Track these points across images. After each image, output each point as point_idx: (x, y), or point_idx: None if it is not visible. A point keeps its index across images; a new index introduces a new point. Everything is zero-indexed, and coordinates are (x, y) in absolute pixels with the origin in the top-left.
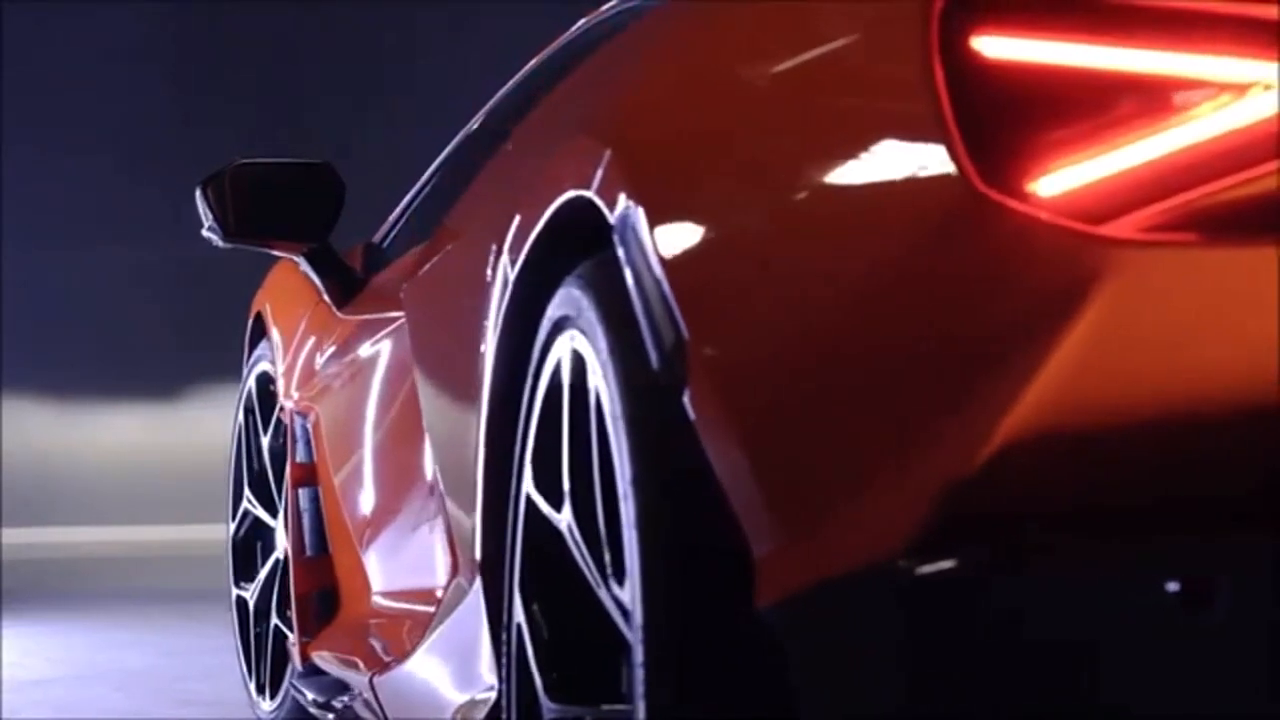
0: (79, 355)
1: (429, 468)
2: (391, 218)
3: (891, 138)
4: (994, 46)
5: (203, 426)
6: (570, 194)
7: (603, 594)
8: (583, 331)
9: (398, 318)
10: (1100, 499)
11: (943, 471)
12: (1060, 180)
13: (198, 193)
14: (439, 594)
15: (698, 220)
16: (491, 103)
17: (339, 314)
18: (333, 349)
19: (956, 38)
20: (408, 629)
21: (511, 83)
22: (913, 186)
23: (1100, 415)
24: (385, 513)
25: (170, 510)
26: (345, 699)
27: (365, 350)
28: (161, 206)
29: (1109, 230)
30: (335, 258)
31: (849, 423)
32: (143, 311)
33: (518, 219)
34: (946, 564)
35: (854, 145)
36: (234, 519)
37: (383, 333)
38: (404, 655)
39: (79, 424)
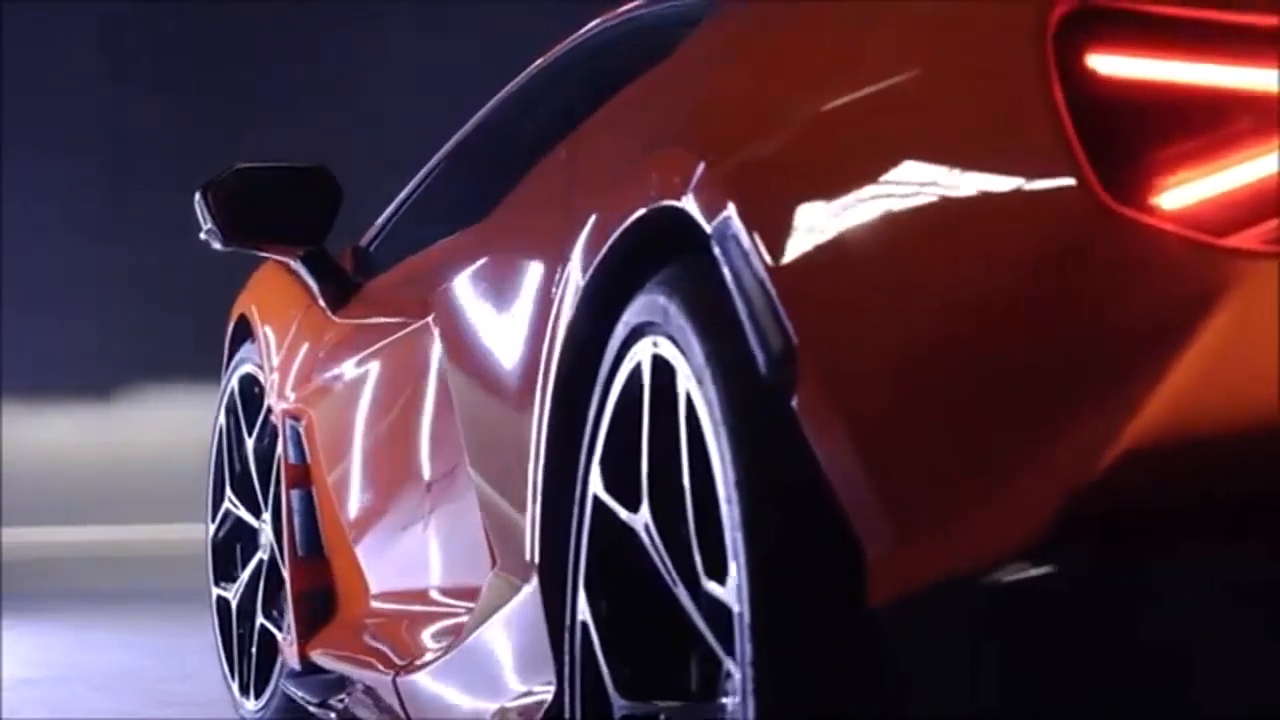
0: (51, 353)
1: (448, 470)
2: (379, 222)
3: (1010, 151)
4: (1109, 65)
5: (173, 426)
6: (655, 203)
7: (680, 593)
8: (670, 337)
9: (402, 322)
10: (1222, 502)
11: (1067, 474)
12: (1184, 194)
13: (197, 196)
14: (470, 594)
15: (807, 229)
16: (489, 107)
17: (334, 318)
18: (329, 352)
19: (1072, 56)
20: (434, 628)
21: (512, 87)
22: (1035, 198)
23: (1222, 421)
24: (395, 515)
25: (142, 510)
26: (343, 697)
27: (366, 354)
28: (164, 206)
29: (1233, 242)
30: (331, 261)
31: (971, 426)
32: (123, 309)
33: (589, 227)
34: (1067, 566)
35: (970, 157)
36: (214, 520)
37: (388, 337)
38: (434, 654)
39: (46, 424)
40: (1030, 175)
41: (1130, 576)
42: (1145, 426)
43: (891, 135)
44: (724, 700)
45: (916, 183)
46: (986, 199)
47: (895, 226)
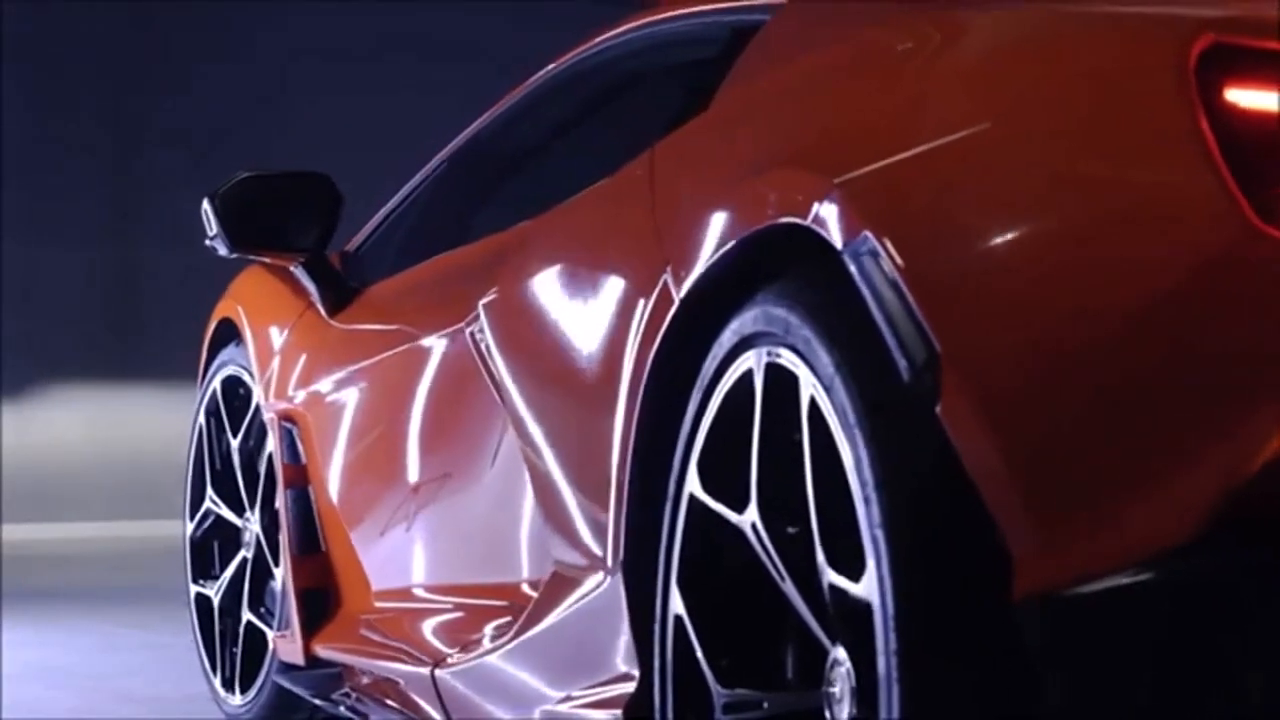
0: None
1: (475, 469)
2: (369, 227)
3: (1157, 173)
4: (1248, 98)
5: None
6: (774, 221)
7: (787, 587)
8: (791, 347)
9: (425, 327)
10: None
11: (1217, 476)
12: None
13: (204, 203)
14: (504, 591)
15: (946, 244)
16: (487, 117)
17: (335, 323)
18: (333, 356)
19: (1212, 89)
20: (475, 623)
21: (511, 97)
22: (1184, 217)
23: None
24: (414, 513)
25: (88, 508)
26: (346, 691)
27: (378, 358)
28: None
29: None
30: (330, 267)
31: (1122, 429)
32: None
33: (686, 243)
34: (1215, 566)
35: (1115, 178)
36: (192, 519)
37: (406, 341)
38: (483, 648)
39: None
40: (1179, 196)
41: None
42: None
43: (1031, 154)
44: (830, 689)
45: (1059, 199)
46: (1134, 217)
47: (1040, 240)
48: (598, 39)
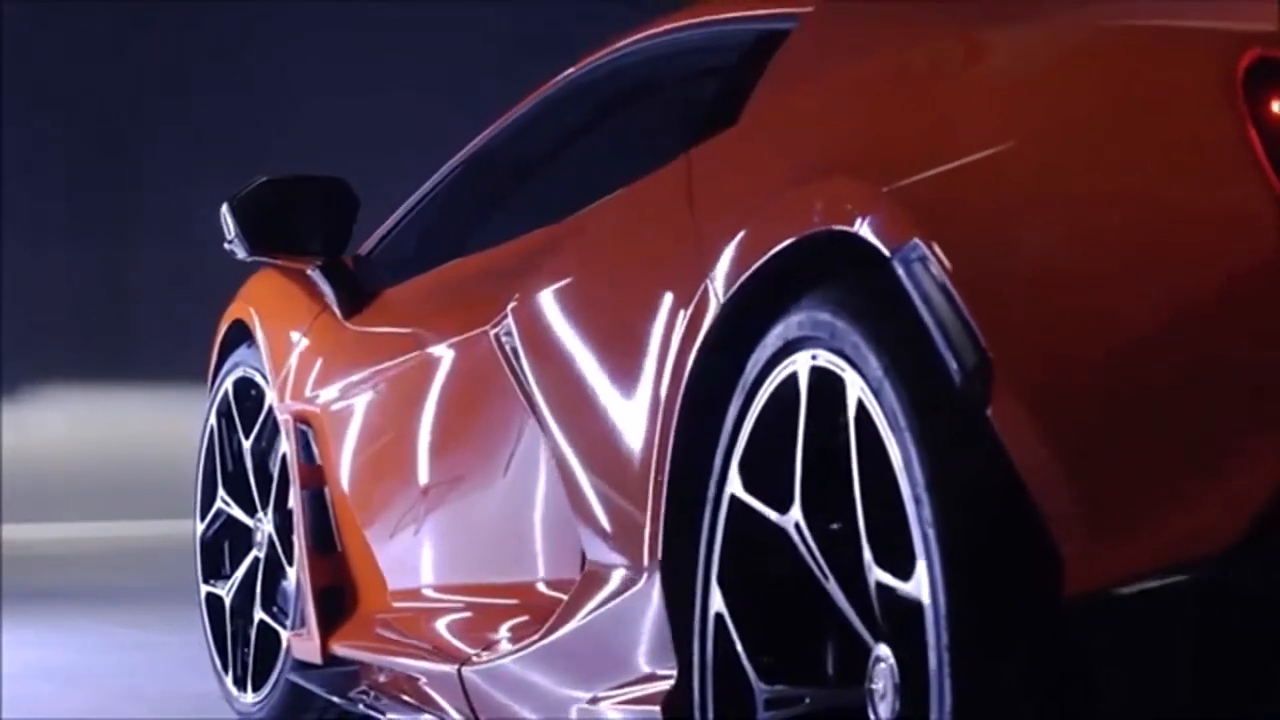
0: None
1: (499, 468)
2: (382, 231)
3: (1204, 184)
4: None
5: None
6: (819, 228)
7: (830, 586)
8: (838, 351)
9: (447, 330)
10: None
11: (1266, 478)
12: None
13: (224, 208)
14: (543, 591)
15: (996, 249)
16: (500, 125)
17: (351, 325)
18: (350, 358)
19: (1259, 102)
20: (500, 621)
21: (532, 102)
22: (1232, 227)
23: None
24: (434, 513)
25: (88, 508)
26: (364, 689)
27: (399, 360)
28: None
29: None
30: (347, 271)
31: (1171, 432)
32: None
33: (730, 249)
34: (1264, 567)
35: (1165, 185)
36: (203, 519)
37: (427, 345)
38: (512, 646)
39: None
40: (1227, 204)
41: None
42: None
43: (1078, 162)
44: (872, 686)
45: (1107, 205)
46: (1183, 224)
47: (1088, 245)
48: (615, 46)
